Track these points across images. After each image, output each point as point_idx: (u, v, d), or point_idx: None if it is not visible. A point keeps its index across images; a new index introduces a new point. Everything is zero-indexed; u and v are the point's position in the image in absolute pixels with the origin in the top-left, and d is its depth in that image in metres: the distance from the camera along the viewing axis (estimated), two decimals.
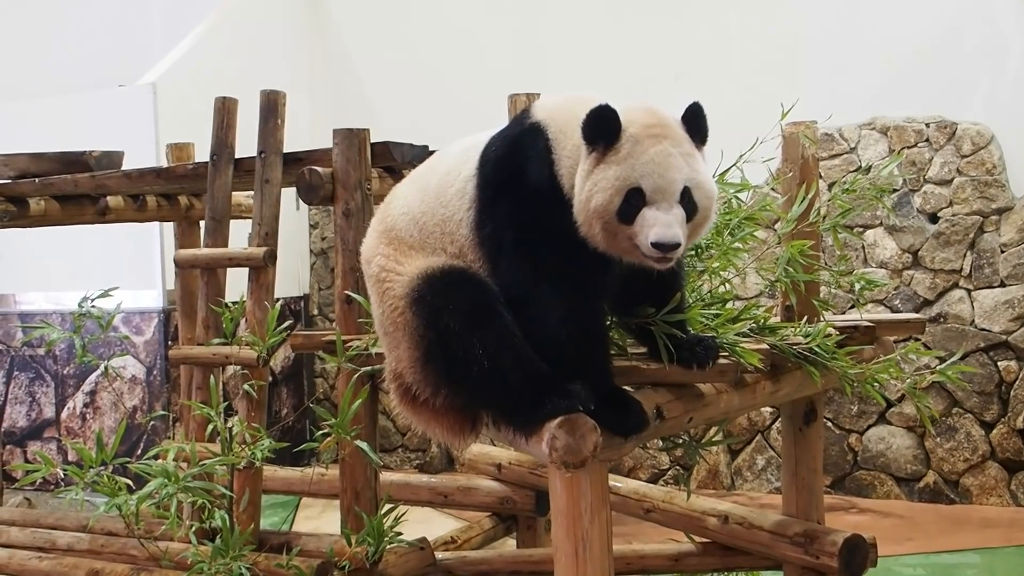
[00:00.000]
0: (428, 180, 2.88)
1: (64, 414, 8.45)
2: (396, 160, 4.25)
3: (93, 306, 4.49)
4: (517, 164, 2.68)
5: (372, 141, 4.21)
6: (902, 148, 7.27)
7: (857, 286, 3.82)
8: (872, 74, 7.45)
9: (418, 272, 2.74)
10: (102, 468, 3.58)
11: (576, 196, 2.58)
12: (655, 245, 2.51)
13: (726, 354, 2.98)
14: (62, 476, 7.79)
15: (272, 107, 4.42)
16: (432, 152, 3.68)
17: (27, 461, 8.18)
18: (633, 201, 2.55)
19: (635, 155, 2.56)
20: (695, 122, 2.70)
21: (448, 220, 2.78)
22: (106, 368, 4.82)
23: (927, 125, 7.26)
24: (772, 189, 3.95)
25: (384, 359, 3.01)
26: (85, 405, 8.35)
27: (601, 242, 2.59)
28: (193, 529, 3.72)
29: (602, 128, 2.57)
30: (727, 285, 3.55)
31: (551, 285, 2.62)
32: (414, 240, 2.83)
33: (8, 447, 8.41)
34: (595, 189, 2.55)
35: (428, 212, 2.82)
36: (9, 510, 4.98)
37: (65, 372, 8.43)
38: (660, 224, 2.52)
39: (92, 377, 8.31)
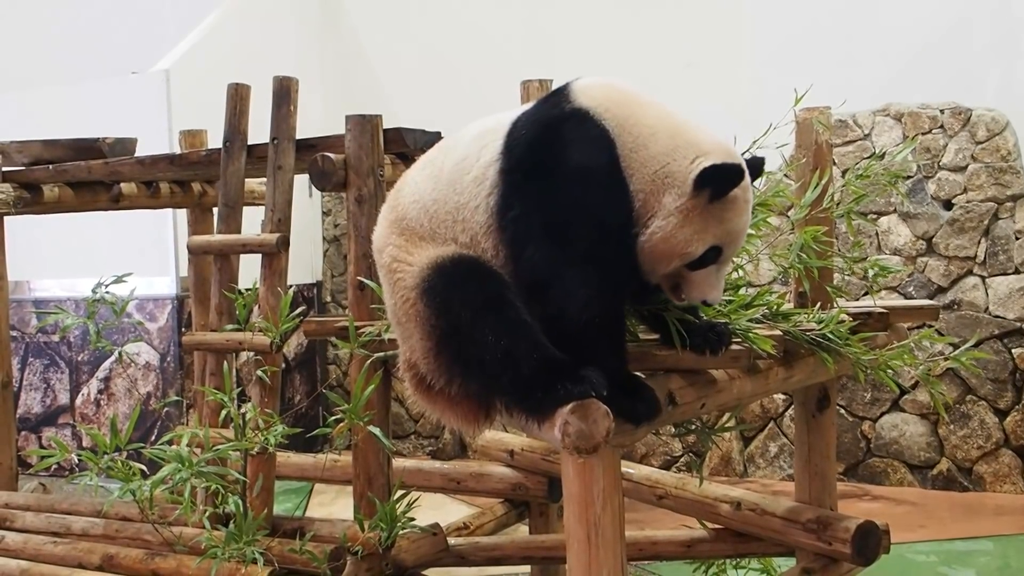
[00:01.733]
0: (441, 166, 2.85)
1: (78, 400, 8.49)
2: (408, 146, 4.25)
3: (107, 292, 4.50)
4: (559, 147, 2.65)
5: (384, 127, 4.21)
6: (916, 134, 7.24)
7: (871, 272, 3.81)
8: (886, 60, 7.42)
9: (428, 263, 2.73)
10: (116, 454, 3.59)
11: (662, 226, 2.62)
12: (704, 302, 2.76)
13: (739, 340, 2.98)
14: (77, 462, 7.83)
15: (285, 93, 4.42)
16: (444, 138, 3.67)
17: (42, 447, 8.22)
18: (710, 257, 2.68)
19: (731, 219, 2.67)
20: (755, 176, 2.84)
21: (462, 207, 2.75)
22: (120, 354, 4.84)
23: (942, 111, 7.23)
24: (785, 175, 3.94)
25: (397, 347, 3.01)
26: (99, 391, 8.39)
27: (650, 266, 2.68)
28: (207, 514, 3.73)
29: (724, 187, 2.62)
30: (740, 271, 3.55)
31: (581, 269, 2.61)
32: (424, 229, 2.80)
33: (23, 433, 8.45)
34: (690, 236, 2.62)
35: (440, 200, 2.79)
36: (24, 495, 5.00)
37: (79, 359, 8.47)
38: (716, 288, 2.74)
39: (106, 364, 8.34)
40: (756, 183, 3.31)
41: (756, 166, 2.85)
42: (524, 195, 2.67)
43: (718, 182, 2.61)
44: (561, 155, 2.65)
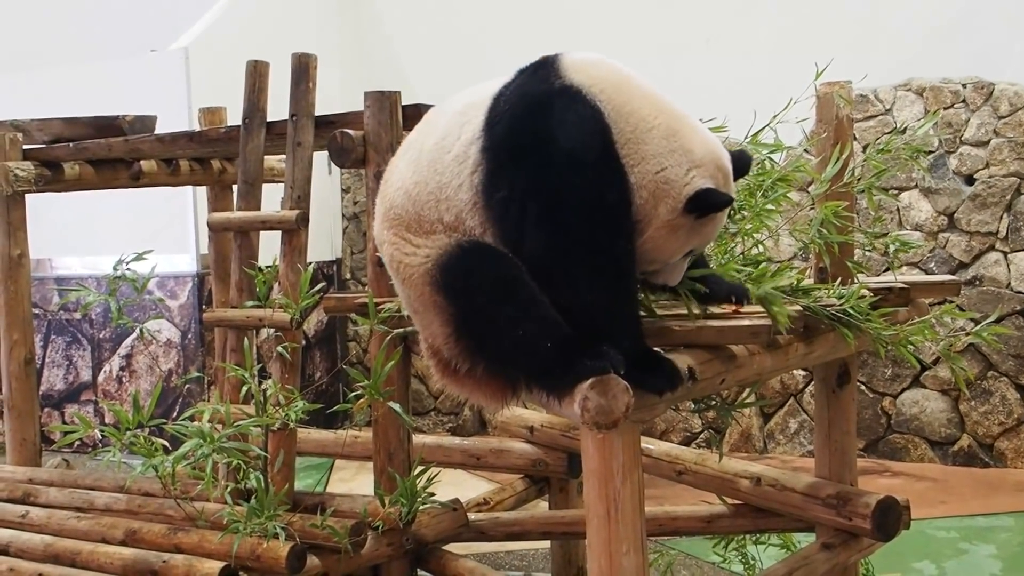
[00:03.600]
0: (421, 147, 2.80)
1: (100, 377, 8.54)
2: None
3: (128, 269, 4.52)
4: (547, 127, 2.59)
5: (403, 103, 4.21)
6: (938, 109, 7.19)
7: (891, 248, 3.79)
8: (907, 35, 7.36)
9: (432, 258, 2.70)
10: (139, 429, 3.62)
11: (653, 236, 2.67)
12: (665, 286, 2.89)
13: (760, 313, 2.97)
14: (99, 438, 7.89)
15: (304, 70, 4.42)
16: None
17: (65, 423, 8.28)
18: (686, 254, 2.81)
19: (710, 230, 2.77)
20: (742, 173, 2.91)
21: (444, 187, 2.70)
22: (141, 331, 4.86)
23: (964, 86, 7.17)
24: (806, 150, 3.92)
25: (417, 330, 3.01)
26: (121, 368, 8.44)
27: (644, 255, 2.72)
28: (228, 489, 3.75)
29: (711, 211, 2.68)
30: (760, 247, 3.54)
31: (583, 256, 2.59)
32: (409, 216, 2.76)
33: (46, 410, 8.51)
34: (675, 247, 2.71)
35: (421, 182, 2.75)
36: (48, 471, 5.04)
37: (101, 336, 8.52)
38: (678, 275, 2.85)
39: (128, 341, 8.38)
40: (782, 145, 3.38)
41: (744, 162, 2.86)
42: (510, 176, 2.62)
43: (707, 207, 2.65)
44: (549, 136, 2.58)
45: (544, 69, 2.71)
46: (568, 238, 2.58)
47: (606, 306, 2.64)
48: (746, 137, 3.58)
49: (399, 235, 2.79)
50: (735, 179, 2.80)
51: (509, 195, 2.62)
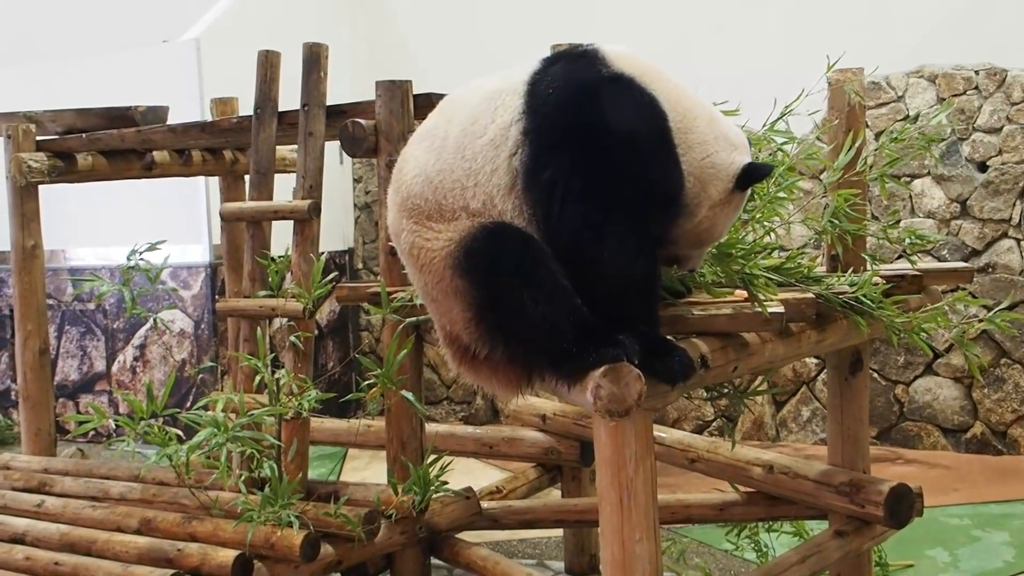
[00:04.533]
0: (444, 135, 2.79)
1: (115, 368, 8.57)
2: None
3: (141, 259, 4.54)
4: (603, 110, 2.64)
5: (414, 93, 4.21)
6: (951, 96, 7.16)
7: (906, 241, 3.79)
8: (919, 21, 7.32)
9: (455, 241, 2.70)
10: (153, 419, 3.63)
11: (709, 216, 2.79)
12: (691, 270, 3.06)
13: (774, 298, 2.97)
14: (114, 427, 7.93)
15: (315, 60, 4.43)
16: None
17: (79, 413, 8.32)
18: None
19: (742, 207, 2.93)
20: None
21: (475, 172, 2.70)
22: (155, 320, 4.88)
23: (976, 72, 7.14)
24: (818, 138, 3.91)
25: (428, 312, 3.01)
26: (135, 359, 8.47)
27: (686, 247, 2.89)
28: (242, 478, 3.77)
29: (755, 182, 2.89)
30: (772, 235, 3.53)
31: (624, 228, 2.63)
32: (429, 205, 2.76)
33: (61, 400, 8.55)
34: (726, 225, 2.88)
35: (446, 170, 2.75)
36: (63, 460, 5.07)
37: (115, 326, 8.54)
38: (700, 260, 3.04)
39: (141, 331, 8.41)
40: (794, 136, 3.50)
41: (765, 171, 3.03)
42: (559, 156, 2.64)
43: (755, 179, 2.83)
44: (605, 119, 2.64)
45: (586, 58, 2.75)
46: (607, 215, 2.61)
47: (629, 287, 2.68)
48: (763, 126, 3.57)
49: (419, 223, 2.78)
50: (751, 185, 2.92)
51: (555, 175, 2.64)
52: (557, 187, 2.63)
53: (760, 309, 2.91)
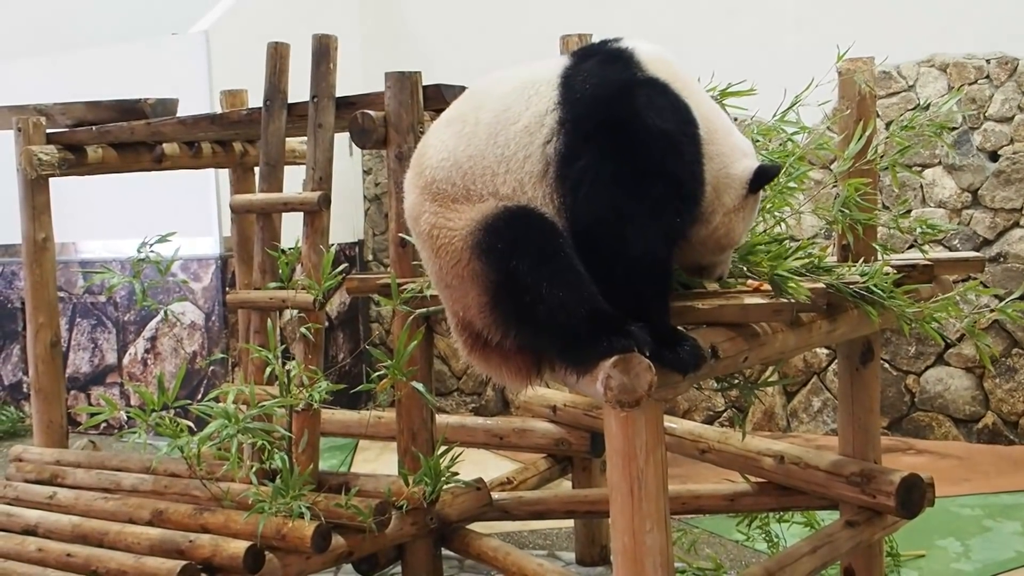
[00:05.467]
0: (475, 121, 2.82)
1: (126, 360, 8.59)
2: (448, 103, 4.22)
3: (152, 251, 4.55)
4: (637, 108, 2.70)
5: (424, 84, 4.21)
6: (962, 85, 7.13)
7: (917, 230, 3.78)
8: (930, 10, 7.29)
9: (476, 220, 2.71)
10: (164, 411, 3.64)
11: (724, 222, 2.87)
12: (719, 279, 3.10)
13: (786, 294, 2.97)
14: (125, 420, 7.95)
15: (324, 52, 4.42)
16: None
17: (91, 405, 8.35)
18: None
19: (756, 209, 3.02)
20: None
21: (507, 159, 2.73)
22: (166, 313, 4.89)
23: (987, 61, 7.11)
24: (828, 128, 3.90)
25: (439, 303, 3.01)
26: (146, 351, 8.49)
27: (700, 254, 2.95)
28: (253, 470, 3.78)
29: (765, 184, 2.94)
30: (783, 225, 3.53)
31: (648, 216, 2.67)
32: (456, 189, 2.78)
33: (72, 392, 8.57)
34: (742, 229, 2.94)
35: (477, 154, 2.77)
36: (75, 452, 5.08)
37: (126, 319, 8.56)
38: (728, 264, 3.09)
39: (152, 323, 8.43)
40: (805, 126, 3.59)
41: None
42: (594, 147, 2.68)
43: (766, 180, 2.90)
44: (644, 114, 2.69)
45: (621, 61, 2.81)
46: (633, 201, 2.66)
47: (646, 273, 2.70)
48: (774, 115, 3.57)
49: (442, 206, 2.80)
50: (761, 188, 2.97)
51: (588, 164, 2.68)
52: (588, 173, 2.67)
53: (793, 297, 2.94)
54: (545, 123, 2.73)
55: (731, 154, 2.84)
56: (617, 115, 2.70)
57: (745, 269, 3.20)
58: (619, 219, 2.65)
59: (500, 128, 2.77)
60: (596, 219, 2.66)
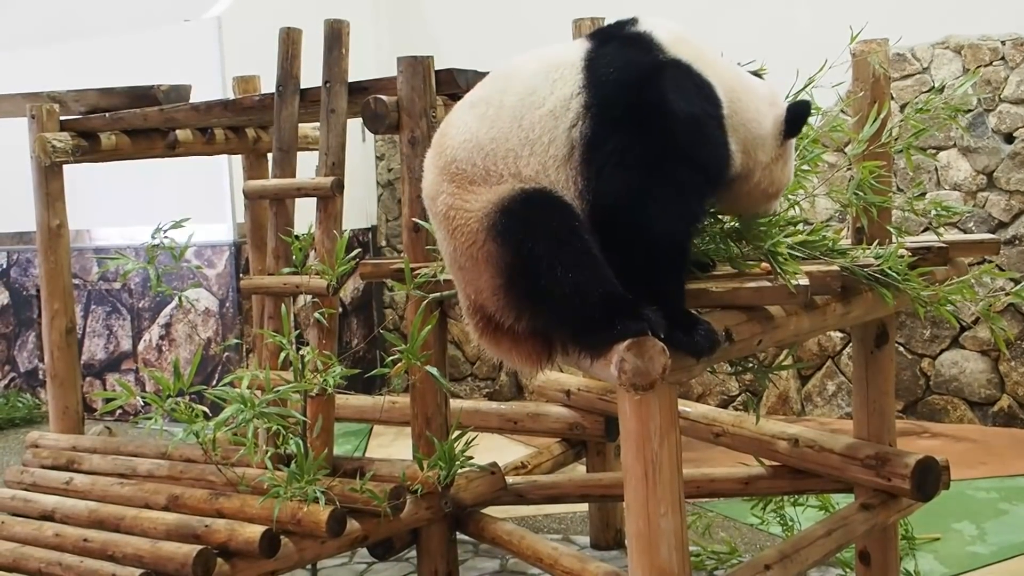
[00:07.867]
0: (499, 103, 2.82)
1: (141, 346, 8.63)
2: (461, 87, 4.22)
3: (166, 237, 4.55)
4: (663, 92, 2.72)
5: (436, 68, 4.20)
6: (977, 67, 7.09)
7: (932, 212, 3.76)
8: None
9: (493, 202, 2.71)
10: (179, 397, 3.65)
11: (765, 175, 2.98)
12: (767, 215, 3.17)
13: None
14: (141, 405, 7.98)
15: (336, 37, 4.42)
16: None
17: (106, 392, 8.38)
18: None
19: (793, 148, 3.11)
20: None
21: (531, 142, 2.74)
22: (180, 299, 4.90)
23: (1003, 43, 7.07)
24: (842, 111, 3.88)
25: (453, 287, 3.01)
26: (161, 337, 8.52)
27: (751, 207, 3.10)
28: (269, 455, 3.79)
29: (804, 121, 3.04)
30: (797, 208, 3.52)
31: (671, 196, 2.69)
32: (476, 170, 2.78)
33: (88, 379, 8.61)
34: (787, 174, 3.06)
35: (500, 137, 2.77)
36: (91, 438, 5.10)
37: (140, 305, 8.59)
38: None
39: (167, 310, 8.46)
40: (818, 108, 3.62)
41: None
42: (620, 131, 2.70)
43: (801, 120, 3.00)
44: (670, 99, 2.72)
45: (642, 44, 2.82)
46: (656, 182, 2.68)
47: (663, 255, 2.71)
48: (786, 97, 3.55)
49: (461, 187, 2.80)
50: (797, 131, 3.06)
51: (615, 148, 2.70)
52: (613, 157, 2.69)
53: (785, 282, 2.90)
54: (571, 107, 2.74)
55: (757, 117, 2.91)
56: (642, 100, 2.71)
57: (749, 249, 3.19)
58: (642, 199, 2.66)
59: (525, 111, 2.77)
60: (619, 199, 2.67)
